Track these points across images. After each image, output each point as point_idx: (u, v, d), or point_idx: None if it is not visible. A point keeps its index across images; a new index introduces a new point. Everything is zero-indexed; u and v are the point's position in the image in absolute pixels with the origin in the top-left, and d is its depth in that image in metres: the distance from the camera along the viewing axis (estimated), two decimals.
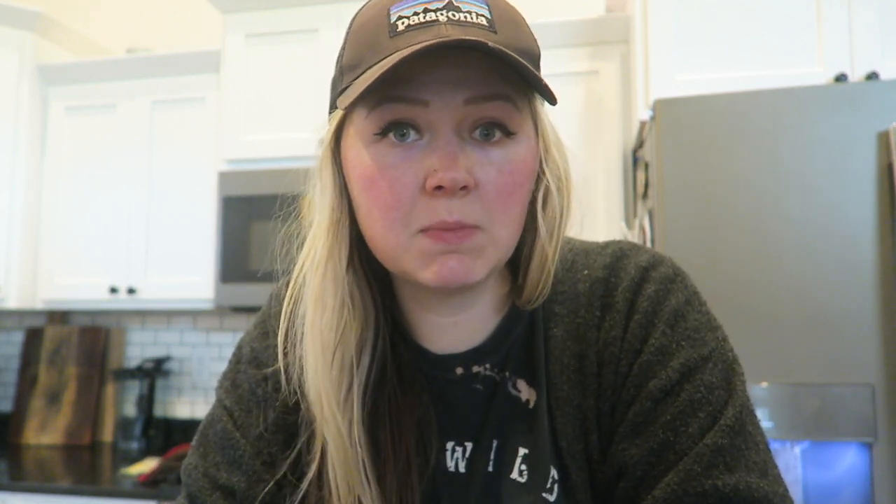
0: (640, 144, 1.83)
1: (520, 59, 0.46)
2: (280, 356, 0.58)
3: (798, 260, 1.43)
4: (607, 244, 0.60)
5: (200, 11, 2.59)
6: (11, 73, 2.33)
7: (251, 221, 2.13)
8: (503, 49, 0.45)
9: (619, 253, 0.58)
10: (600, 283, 0.56)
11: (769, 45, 1.69)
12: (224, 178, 2.17)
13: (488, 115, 0.48)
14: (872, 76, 1.62)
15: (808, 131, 1.44)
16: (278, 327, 0.61)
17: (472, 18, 0.48)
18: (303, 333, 0.56)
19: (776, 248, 1.44)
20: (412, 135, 0.49)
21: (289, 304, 0.57)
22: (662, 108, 1.52)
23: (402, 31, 0.47)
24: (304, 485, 0.56)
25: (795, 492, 1.39)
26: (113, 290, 2.27)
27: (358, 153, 0.50)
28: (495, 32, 0.48)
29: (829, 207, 1.42)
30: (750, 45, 1.70)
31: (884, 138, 1.41)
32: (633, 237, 1.81)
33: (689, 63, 1.73)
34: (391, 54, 0.46)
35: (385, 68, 0.45)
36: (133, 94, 2.34)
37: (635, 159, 1.92)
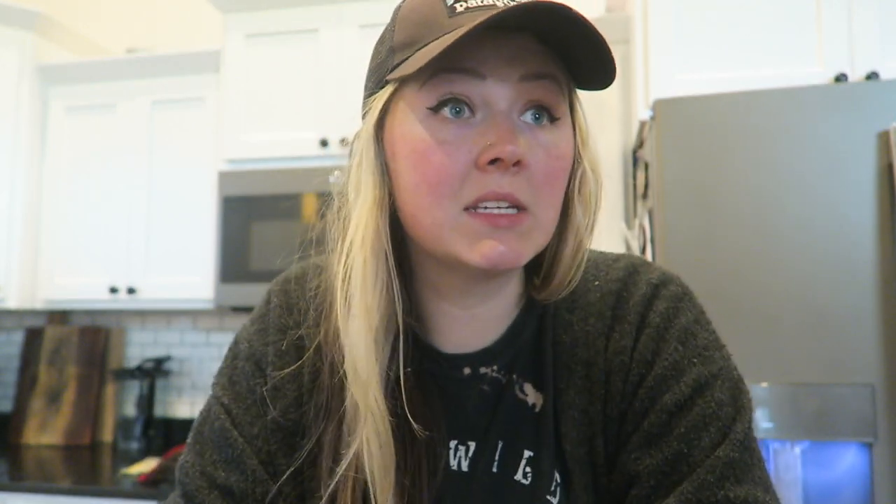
0: (640, 144, 1.83)
1: (596, 28, 0.46)
2: (330, 333, 0.56)
3: (798, 260, 1.43)
4: (619, 257, 0.61)
5: (200, 11, 2.59)
6: (11, 73, 2.33)
7: (251, 221, 2.13)
8: (585, 18, 0.45)
9: (630, 268, 0.59)
10: (612, 295, 0.58)
11: (769, 45, 1.69)
12: (224, 178, 2.16)
13: (538, 96, 0.50)
14: (872, 76, 1.61)
15: (808, 131, 1.44)
16: (279, 324, 0.61)
17: None
18: (348, 313, 0.54)
19: (776, 249, 1.44)
20: (466, 112, 0.49)
21: (344, 285, 0.54)
22: (662, 108, 1.52)
23: (462, 12, 0.49)
24: (341, 468, 0.53)
25: (795, 492, 1.39)
26: (113, 290, 2.27)
27: (410, 128, 0.50)
28: None
29: (828, 207, 1.42)
30: (750, 45, 1.70)
31: (884, 138, 1.41)
32: (633, 237, 1.81)
33: (689, 63, 1.73)
34: (453, 30, 0.47)
35: (458, 35, 0.45)
36: (133, 94, 2.34)
37: (635, 159, 1.92)
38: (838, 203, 1.42)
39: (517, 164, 0.48)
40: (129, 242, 2.30)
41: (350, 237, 0.54)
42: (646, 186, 1.67)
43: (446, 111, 0.49)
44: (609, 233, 1.96)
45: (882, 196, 1.40)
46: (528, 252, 0.50)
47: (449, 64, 0.48)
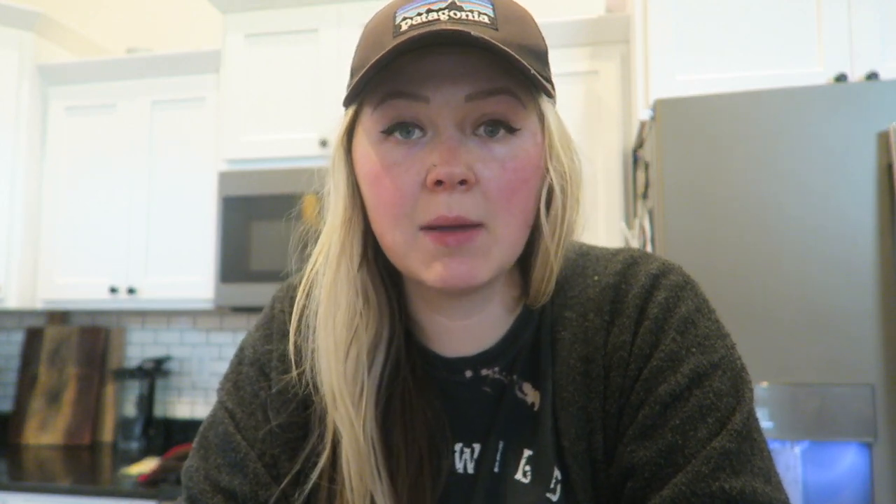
0: (640, 144, 1.83)
1: (506, 49, 0.46)
2: (291, 349, 0.58)
3: (798, 260, 1.43)
4: (618, 251, 0.60)
5: (200, 11, 2.59)
6: (11, 73, 2.33)
7: (251, 221, 2.13)
8: (487, 39, 0.45)
9: (629, 260, 0.58)
10: (610, 289, 0.57)
11: (769, 45, 1.69)
12: (224, 178, 2.17)
13: (490, 111, 0.49)
14: (872, 76, 1.62)
15: (808, 131, 1.44)
16: (283, 329, 0.62)
17: (474, 17, 0.49)
18: (315, 329, 0.56)
19: (776, 249, 1.44)
20: (416, 132, 0.50)
21: (301, 298, 0.57)
22: (662, 108, 1.52)
23: (405, 31, 0.49)
24: (314, 475, 0.56)
25: (795, 492, 1.39)
26: (113, 290, 2.27)
27: (365, 151, 0.52)
28: (496, 30, 0.49)
29: (828, 207, 1.42)
30: (750, 45, 1.70)
31: (884, 138, 1.41)
32: (633, 237, 1.81)
33: (689, 63, 1.73)
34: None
35: (376, 58, 0.46)
36: (133, 94, 2.34)
37: (635, 159, 1.92)
38: (838, 203, 1.42)
39: (464, 183, 0.48)
40: (129, 242, 2.30)
41: (315, 254, 0.56)
42: (646, 186, 1.67)
43: (397, 134, 0.50)
44: (609, 233, 1.96)
45: (882, 196, 1.40)
46: (484, 270, 0.50)
47: (395, 89, 0.49)
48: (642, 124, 1.75)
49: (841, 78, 1.63)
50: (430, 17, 0.48)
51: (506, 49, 0.46)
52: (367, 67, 0.48)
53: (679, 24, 1.74)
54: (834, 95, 1.45)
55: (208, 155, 2.26)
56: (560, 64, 2.01)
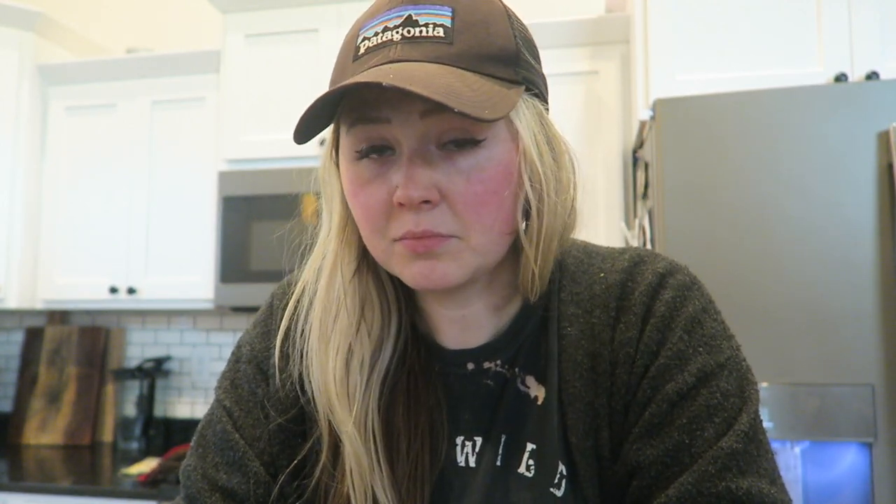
0: (640, 144, 1.83)
1: (420, 91, 0.44)
2: (277, 355, 0.60)
3: (798, 260, 1.43)
4: (625, 250, 0.61)
5: (200, 11, 2.59)
6: (11, 73, 2.33)
7: (251, 221, 2.13)
8: (398, 86, 0.44)
9: (636, 258, 0.59)
10: (617, 286, 0.57)
11: (769, 45, 1.69)
12: (224, 178, 2.17)
13: (447, 126, 0.49)
14: (872, 76, 1.62)
15: (808, 131, 1.44)
16: (281, 326, 0.62)
17: (428, 32, 0.49)
18: (308, 333, 0.57)
19: (776, 248, 1.44)
20: (386, 151, 0.51)
21: (294, 305, 0.59)
22: (662, 108, 1.52)
23: (361, 55, 0.50)
24: (317, 473, 0.57)
25: (795, 492, 1.39)
26: (113, 290, 2.27)
27: (345, 167, 0.53)
28: (451, 44, 0.49)
29: (828, 207, 1.42)
30: (750, 45, 1.70)
31: (884, 138, 1.41)
32: (633, 237, 1.81)
33: (689, 63, 1.73)
34: (353, 75, 0.49)
35: (309, 104, 0.48)
36: (133, 94, 2.34)
37: (635, 159, 1.92)
38: (838, 203, 1.42)
39: (426, 202, 0.49)
40: (129, 242, 2.30)
41: (311, 263, 0.58)
42: (646, 186, 1.67)
43: (368, 154, 0.51)
44: (609, 233, 1.96)
45: (882, 196, 1.40)
46: (457, 273, 0.51)
47: (360, 114, 0.50)
48: (642, 124, 1.75)
49: (841, 78, 1.63)
50: (384, 38, 0.49)
51: (420, 92, 0.44)
52: (313, 102, 0.48)
53: (679, 24, 1.74)
54: (834, 95, 1.45)
55: (208, 155, 2.26)
56: (560, 64, 2.01)
